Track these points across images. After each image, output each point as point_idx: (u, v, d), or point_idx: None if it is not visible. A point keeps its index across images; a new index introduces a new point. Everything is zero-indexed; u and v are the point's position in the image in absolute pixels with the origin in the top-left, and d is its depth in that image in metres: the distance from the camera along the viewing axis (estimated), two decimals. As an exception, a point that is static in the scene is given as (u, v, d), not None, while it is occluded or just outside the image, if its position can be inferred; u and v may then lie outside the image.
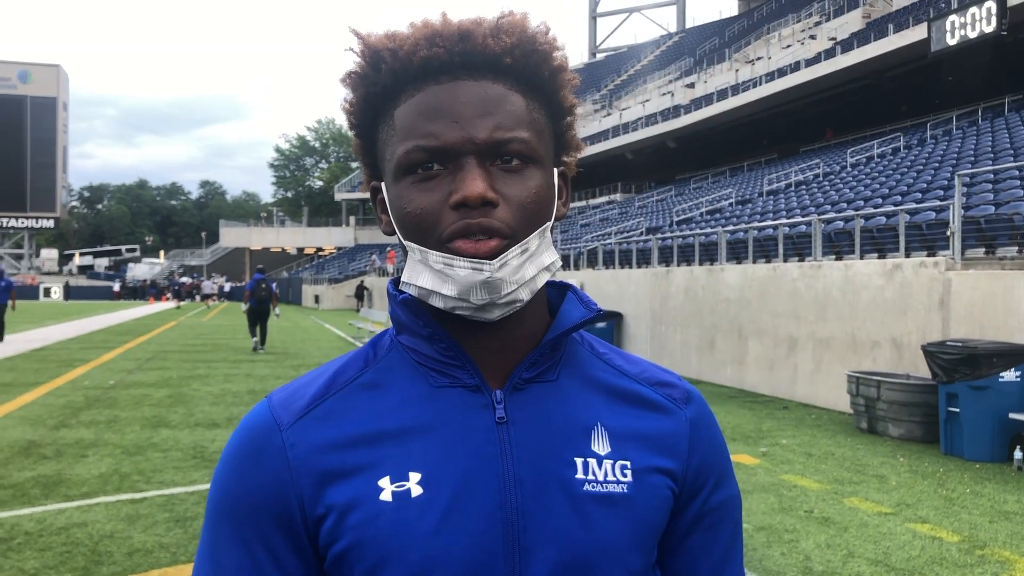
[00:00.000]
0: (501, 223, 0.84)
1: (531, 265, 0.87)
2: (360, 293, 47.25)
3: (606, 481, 0.89)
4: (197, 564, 0.91)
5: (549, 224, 0.90)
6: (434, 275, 0.86)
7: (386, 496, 0.85)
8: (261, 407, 0.92)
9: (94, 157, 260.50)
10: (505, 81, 0.89)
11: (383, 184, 0.92)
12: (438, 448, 0.87)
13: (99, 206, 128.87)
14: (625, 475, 0.90)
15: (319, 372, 0.95)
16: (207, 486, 6.82)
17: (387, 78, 0.88)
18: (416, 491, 0.85)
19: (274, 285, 22.29)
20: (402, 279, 0.91)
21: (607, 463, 0.90)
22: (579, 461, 0.89)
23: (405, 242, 0.88)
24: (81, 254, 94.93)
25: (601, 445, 0.91)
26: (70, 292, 66.10)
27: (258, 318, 19.97)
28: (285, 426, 0.89)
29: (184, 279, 69.43)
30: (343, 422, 0.89)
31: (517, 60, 0.89)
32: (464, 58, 0.87)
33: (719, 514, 0.98)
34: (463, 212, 0.83)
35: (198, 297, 62.67)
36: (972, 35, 24.24)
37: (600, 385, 0.96)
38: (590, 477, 0.89)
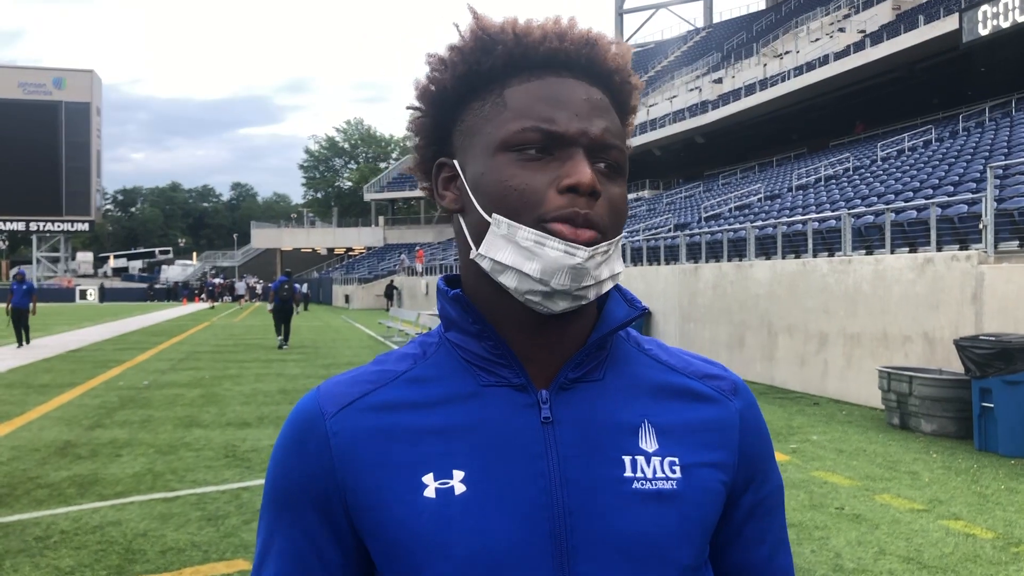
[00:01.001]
0: (599, 217, 0.86)
1: (606, 267, 0.88)
2: (389, 292, 47.46)
3: (655, 478, 0.89)
4: (256, 550, 0.95)
5: (624, 234, 0.92)
6: (519, 251, 0.85)
7: (429, 493, 0.86)
8: (310, 396, 0.94)
9: (127, 161, 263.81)
10: (608, 96, 0.93)
11: (455, 161, 0.93)
12: (483, 447, 0.88)
13: (133, 209, 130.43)
14: (674, 471, 0.91)
15: (368, 366, 0.97)
16: (238, 485, 6.91)
17: (500, 59, 0.90)
18: (459, 489, 0.86)
19: (297, 286, 23.97)
20: (477, 252, 0.89)
21: (655, 460, 0.91)
22: (627, 459, 0.90)
23: (488, 215, 0.88)
24: (115, 256, 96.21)
25: (649, 442, 0.91)
26: (105, 294, 66.95)
27: (282, 317, 21.34)
28: (329, 415, 0.90)
29: (216, 280, 70.09)
30: (389, 415, 0.90)
31: (622, 82, 0.94)
32: (588, 62, 0.91)
33: (771, 501, 1.00)
34: (570, 198, 0.85)
35: (228, 298, 63.46)
36: (1005, 25, 23.88)
37: (646, 382, 0.96)
38: (639, 475, 0.89)
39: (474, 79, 0.91)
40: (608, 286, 0.90)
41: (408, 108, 0.97)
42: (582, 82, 0.90)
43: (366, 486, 0.87)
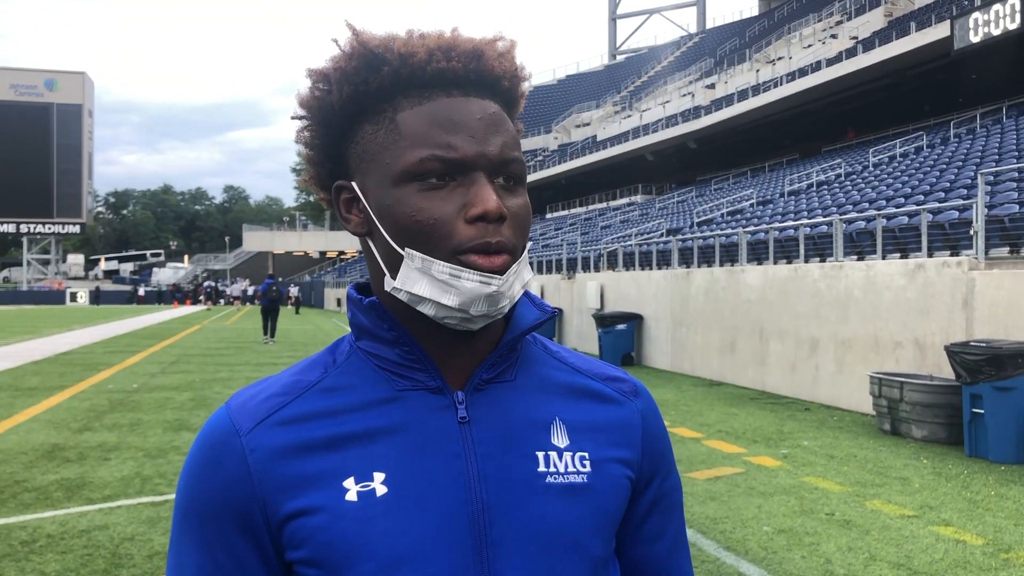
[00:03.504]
0: (508, 239, 0.87)
1: (518, 282, 0.90)
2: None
3: (567, 472, 0.92)
4: (167, 569, 0.93)
5: (530, 244, 0.94)
6: (435, 285, 0.87)
7: (351, 496, 0.86)
8: (220, 413, 0.93)
9: (119, 163, 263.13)
10: (499, 103, 0.93)
11: (354, 183, 0.93)
12: (402, 449, 0.89)
13: (124, 211, 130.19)
14: (584, 465, 0.94)
15: (277, 377, 0.96)
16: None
17: (387, 79, 0.89)
18: (381, 490, 0.87)
19: (283, 288, 26.85)
20: (394, 285, 0.90)
21: (567, 455, 0.94)
22: (540, 455, 0.93)
23: (400, 248, 0.88)
24: (107, 259, 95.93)
25: (560, 438, 0.94)
26: (99, 297, 66.76)
27: (269, 315, 24.26)
28: (244, 431, 0.89)
29: (209, 283, 70.15)
30: (304, 427, 0.90)
31: (511, 85, 0.94)
32: (476, 76, 0.91)
33: (671, 498, 1.04)
34: (480, 227, 0.86)
35: (222, 301, 63.80)
36: (996, 32, 24.00)
37: (556, 382, 1.00)
38: (551, 469, 0.92)
39: (362, 99, 0.91)
40: (520, 295, 0.92)
41: (294, 118, 0.96)
42: (473, 97, 0.90)
43: (287, 500, 0.87)
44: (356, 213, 0.94)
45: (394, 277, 0.90)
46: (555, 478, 0.92)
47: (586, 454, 0.95)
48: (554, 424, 0.95)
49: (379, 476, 0.87)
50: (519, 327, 0.96)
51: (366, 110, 0.91)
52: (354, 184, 0.93)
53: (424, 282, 0.87)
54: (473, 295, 0.86)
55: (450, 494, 0.88)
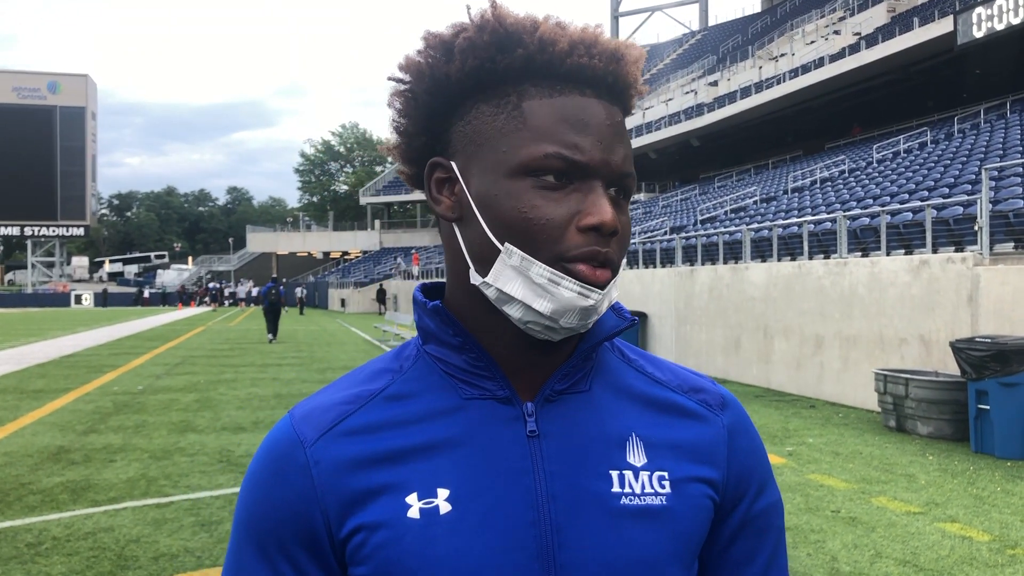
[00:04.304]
0: (615, 255, 0.83)
1: (608, 299, 0.86)
2: (381, 296, 47.58)
3: (643, 494, 0.86)
4: None
5: None
6: (530, 287, 0.82)
7: (413, 513, 0.82)
8: (284, 423, 0.89)
9: (123, 165, 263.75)
10: (623, 112, 0.88)
11: (453, 163, 0.87)
12: (467, 463, 0.85)
13: (128, 213, 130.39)
14: (663, 486, 0.88)
15: (342, 384, 0.92)
16: (233, 490, 6.87)
17: (518, 62, 0.84)
18: (444, 508, 0.83)
19: (282, 289, 28.68)
20: (483, 280, 0.85)
21: (644, 475, 0.88)
22: (615, 474, 0.87)
23: (499, 242, 0.83)
24: (111, 261, 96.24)
25: (637, 456, 0.88)
26: (108, 299, 66.92)
27: (271, 315, 25.27)
28: (309, 443, 0.86)
29: (213, 284, 70.47)
30: (369, 438, 0.86)
31: (633, 95, 0.90)
32: (613, 79, 0.86)
33: (762, 522, 0.95)
34: (592, 237, 0.81)
35: (227, 302, 64.21)
36: (999, 27, 23.94)
37: (633, 394, 0.93)
38: (627, 490, 0.86)
39: (484, 76, 0.85)
40: (605, 311, 0.88)
41: (392, 79, 0.90)
42: (603, 101, 0.85)
43: (351, 514, 0.84)
44: (449, 195, 0.88)
45: (480, 271, 0.85)
46: (630, 500, 0.86)
47: (665, 474, 0.88)
48: (630, 440, 0.89)
49: (443, 492, 0.83)
50: (597, 335, 0.90)
51: (485, 89, 0.85)
52: (453, 164, 0.87)
53: (518, 282, 0.82)
54: (568, 305, 0.81)
55: (516, 514, 0.83)
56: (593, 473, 0.86)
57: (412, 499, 0.83)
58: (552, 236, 0.81)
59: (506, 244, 0.82)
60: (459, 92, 0.86)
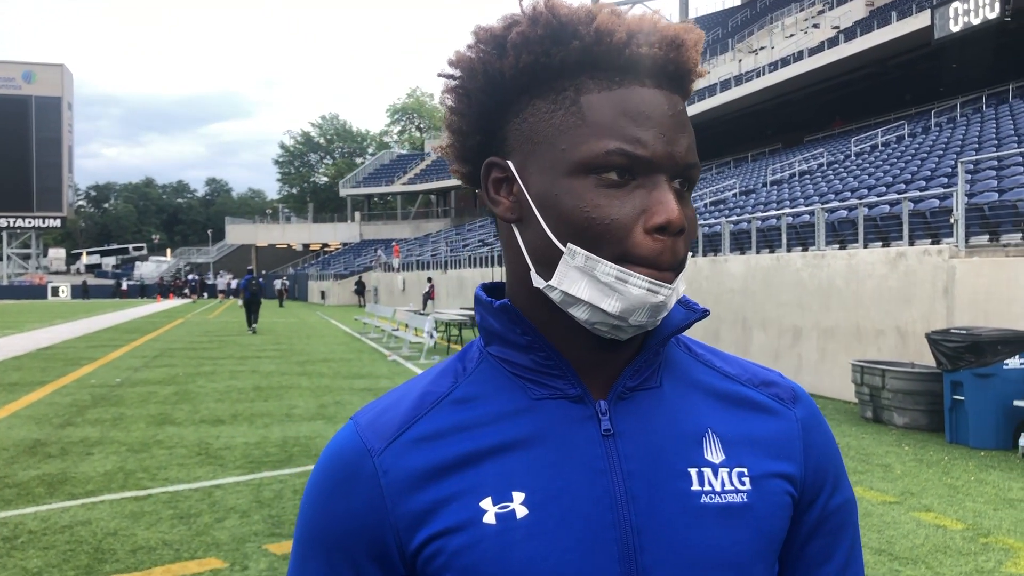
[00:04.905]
0: (680, 254, 0.80)
1: (676, 294, 0.83)
2: (360, 289, 47.46)
3: (724, 491, 0.84)
4: None
5: None
6: (597, 287, 0.79)
7: (489, 519, 0.80)
8: (348, 431, 0.87)
9: (100, 156, 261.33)
10: (683, 99, 0.84)
11: (510, 163, 0.84)
12: (541, 465, 0.82)
13: (106, 205, 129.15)
14: (743, 483, 0.85)
15: (405, 390, 0.89)
16: (211, 483, 6.85)
17: (574, 55, 0.80)
18: (521, 512, 0.80)
19: (261, 280, 29.82)
20: (547, 283, 0.82)
21: (723, 472, 0.85)
22: (693, 472, 0.84)
23: (562, 243, 0.80)
24: (88, 253, 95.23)
25: (715, 453, 0.86)
26: (88, 291, 66.28)
27: (251, 306, 26.15)
28: (376, 451, 0.83)
29: (193, 276, 70.21)
30: (438, 444, 0.83)
31: (693, 80, 0.86)
32: (674, 67, 0.82)
33: (839, 519, 0.93)
34: (657, 240, 0.78)
35: (206, 294, 64.17)
36: (975, 21, 24.13)
37: (705, 389, 0.91)
38: (707, 488, 0.84)
39: (539, 71, 0.82)
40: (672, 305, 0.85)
41: (443, 76, 0.87)
42: (664, 91, 0.81)
43: (423, 524, 0.81)
44: (507, 196, 0.85)
45: (542, 272, 0.82)
46: (711, 498, 0.83)
47: (745, 470, 0.86)
48: (706, 437, 0.86)
49: (518, 496, 0.80)
50: (666, 328, 0.87)
51: (540, 84, 0.82)
52: (510, 164, 0.84)
53: (584, 283, 0.79)
54: (638, 303, 0.78)
55: (595, 516, 0.80)
56: (671, 472, 0.84)
57: (487, 504, 0.81)
58: (617, 236, 0.78)
59: (569, 245, 0.80)
60: (514, 88, 0.83)
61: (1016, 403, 7.80)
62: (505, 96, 0.84)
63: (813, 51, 33.69)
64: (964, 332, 8.22)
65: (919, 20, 27.12)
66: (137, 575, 4.79)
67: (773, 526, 0.86)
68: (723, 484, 0.84)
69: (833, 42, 32.89)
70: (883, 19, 30.38)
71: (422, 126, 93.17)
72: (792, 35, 40.97)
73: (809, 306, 12.03)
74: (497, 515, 0.80)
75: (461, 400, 0.86)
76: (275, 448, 8.21)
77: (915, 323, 10.00)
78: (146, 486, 6.76)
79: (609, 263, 0.78)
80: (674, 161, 0.79)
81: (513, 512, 0.80)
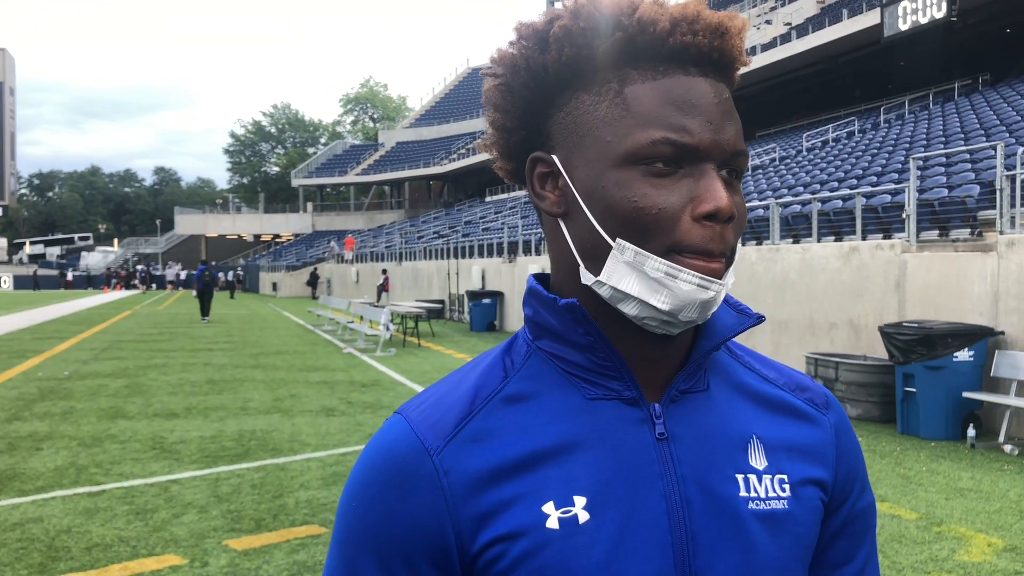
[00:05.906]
0: (729, 243, 0.80)
1: (726, 288, 0.82)
2: (313, 281, 47.05)
3: (768, 498, 0.84)
4: None
5: None
6: (646, 282, 0.78)
7: (552, 523, 0.78)
8: (400, 427, 0.83)
9: (43, 144, 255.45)
10: (728, 87, 0.83)
11: (555, 157, 0.83)
12: (599, 468, 0.81)
13: (50, 193, 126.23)
14: (784, 490, 0.86)
15: (454, 384, 0.87)
16: (167, 477, 6.73)
17: (617, 46, 0.79)
18: (583, 516, 0.79)
19: (216, 272, 30.22)
20: (596, 279, 0.81)
21: (766, 478, 0.85)
22: (740, 478, 0.84)
23: (611, 237, 0.79)
24: (32, 243, 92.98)
25: (758, 459, 0.86)
26: (39, 283, 64.56)
27: (204, 297, 27.05)
28: (435, 450, 0.81)
29: (141, 267, 69.25)
30: (497, 443, 0.81)
31: (738, 67, 0.85)
32: (719, 55, 0.81)
33: (862, 522, 0.94)
34: (706, 227, 0.77)
35: (154, 285, 63.58)
36: (923, 20, 24.61)
37: (748, 393, 0.91)
38: (753, 495, 0.84)
39: (582, 64, 0.81)
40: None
41: (486, 74, 0.86)
42: (710, 79, 0.80)
43: (485, 527, 0.79)
44: (553, 191, 0.84)
45: (591, 268, 0.81)
46: (757, 504, 0.83)
47: (785, 477, 0.86)
48: (751, 443, 0.86)
49: (580, 500, 0.79)
50: (720, 333, 0.87)
51: (583, 77, 0.81)
52: (555, 158, 0.83)
53: (633, 278, 0.78)
54: (688, 299, 0.77)
55: (652, 521, 0.80)
56: (721, 477, 0.83)
57: (549, 508, 0.79)
58: (665, 226, 0.77)
59: (618, 240, 0.79)
60: (557, 83, 0.82)
61: (965, 395, 7.99)
62: (548, 91, 0.83)
63: (766, 47, 34.09)
64: (916, 325, 8.39)
65: (869, 18, 27.59)
66: (93, 573, 4.69)
67: (809, 532, 0.87)
68: (767, 491, 0.85)
69: (785, 38, 33.31)
70: (834, 16, 30.84)
71: (375, 116, 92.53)
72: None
73: (763, 299, 12.18)
74: (560, 519, 0.79)
75: (514, 397, 0.84)
76: (231, 442, 8.10)
77: (867, 316, 10.18)
78: (99, 481, 6.62)
79: (659, 258, 0.77)
80: (721, 149, 0.79)
81: (576, 517, 0.79)
